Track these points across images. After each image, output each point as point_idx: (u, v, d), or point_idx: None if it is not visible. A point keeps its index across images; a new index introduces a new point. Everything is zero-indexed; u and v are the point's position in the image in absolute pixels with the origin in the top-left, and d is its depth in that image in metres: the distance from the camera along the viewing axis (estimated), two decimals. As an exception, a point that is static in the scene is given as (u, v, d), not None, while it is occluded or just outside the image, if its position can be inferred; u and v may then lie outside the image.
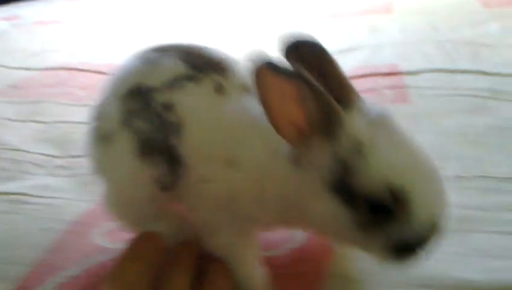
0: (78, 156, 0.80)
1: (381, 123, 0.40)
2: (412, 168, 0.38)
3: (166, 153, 0.47)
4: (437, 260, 0.44)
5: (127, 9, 1.99)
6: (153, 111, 0.47)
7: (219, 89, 0.47)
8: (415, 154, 0.39)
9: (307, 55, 0.43)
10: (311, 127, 0.40)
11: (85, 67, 1.25)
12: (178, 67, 0.48)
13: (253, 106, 0.43)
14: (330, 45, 0.47)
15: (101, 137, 0.50)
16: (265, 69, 0.37)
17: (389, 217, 0.38)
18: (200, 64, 0.48)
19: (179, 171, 0.47)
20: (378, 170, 0.37)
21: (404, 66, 1.04)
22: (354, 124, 0.39)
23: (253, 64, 0.37)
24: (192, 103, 0.47)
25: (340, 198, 0.39)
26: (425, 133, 0.77)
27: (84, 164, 0.76)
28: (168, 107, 0.47)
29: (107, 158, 0.51)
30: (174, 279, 0.46)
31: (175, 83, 0.47)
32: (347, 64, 1.02)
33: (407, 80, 0.99)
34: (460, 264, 0.51)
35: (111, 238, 0.60)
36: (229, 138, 0.45)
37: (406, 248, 0.39)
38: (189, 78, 0.47)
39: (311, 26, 1.47)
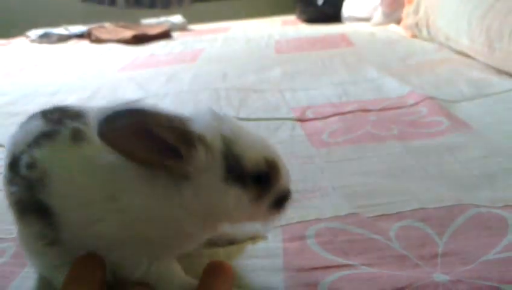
0: None
1: (229, 121, 0.50)
2: (270, 146, 0.51)
3: (36, 208, 0.49)
4: None
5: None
6: (20, 174, 0.50)
7: (76, 136, 0.50)
8: (263, 139, 0.52)
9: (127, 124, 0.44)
10: (177, 149, 0.45)
11: None
12: (38, 126, 0.52)
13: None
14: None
15: None
16: (105, 131, 0.42)
17: (267, 183, 0.50)
18: (56, 118, 0.52)
19: (55, 223, 0.49)
20: (255, 151, 0.49)
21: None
22: (207, 125, 0.47)
23: (95, 129, 0.42)
24: (50, 156, 0.50)
25: (235, 185, 0.48)
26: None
27: None
28: (31, 165, 0.50)
29: None
30: None
31: (34, 142, 0.50)
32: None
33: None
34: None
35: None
36: (102, 177, 0.48)
37: (281, 202, 0.51)
38: (46, 133, 0.51)
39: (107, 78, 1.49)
